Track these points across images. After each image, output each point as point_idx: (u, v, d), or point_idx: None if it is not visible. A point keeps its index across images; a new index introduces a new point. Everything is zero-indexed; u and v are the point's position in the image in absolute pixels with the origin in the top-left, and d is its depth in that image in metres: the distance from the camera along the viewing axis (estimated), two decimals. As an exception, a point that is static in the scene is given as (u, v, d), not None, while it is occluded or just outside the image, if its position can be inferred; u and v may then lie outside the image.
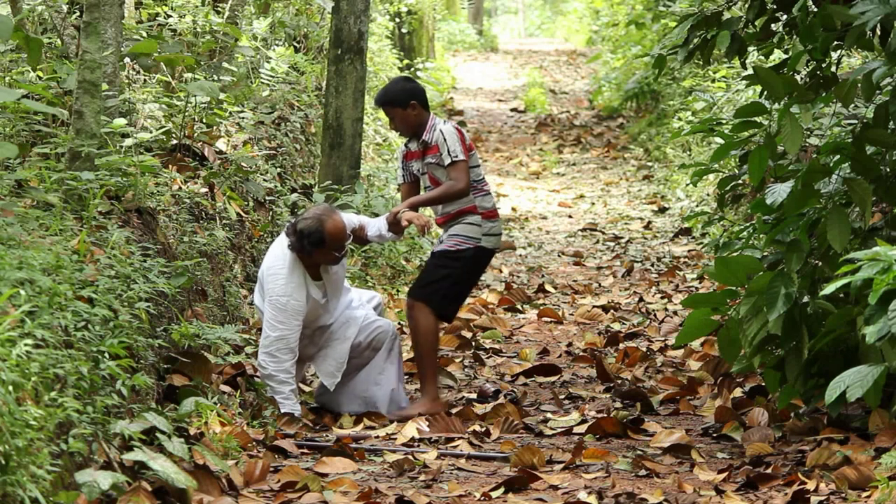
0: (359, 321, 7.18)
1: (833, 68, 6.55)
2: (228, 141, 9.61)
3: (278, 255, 6.91)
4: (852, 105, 7.16)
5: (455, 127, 7.07)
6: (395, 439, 6.67)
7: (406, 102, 7.08)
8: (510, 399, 7.47)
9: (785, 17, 7.05)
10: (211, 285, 7.94)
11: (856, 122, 6.67)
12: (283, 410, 6.82)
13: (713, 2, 7.39)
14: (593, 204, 16.02)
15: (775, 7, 7.03)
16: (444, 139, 6.99)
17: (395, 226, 7.09)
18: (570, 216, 15.29)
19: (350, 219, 7.12)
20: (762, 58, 10.39)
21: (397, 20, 21.44)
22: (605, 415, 7.05)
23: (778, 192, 6.27)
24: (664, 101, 19.12)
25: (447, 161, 6.98)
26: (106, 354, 5.16)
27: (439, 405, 6.99)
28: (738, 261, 6.43)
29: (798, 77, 6.73)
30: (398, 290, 10.15)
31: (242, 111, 10.07)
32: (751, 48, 7.73)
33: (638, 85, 20.47)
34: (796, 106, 6.34)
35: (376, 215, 11.35)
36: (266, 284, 6.90)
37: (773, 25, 7.21)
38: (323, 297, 7.03)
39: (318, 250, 6.85)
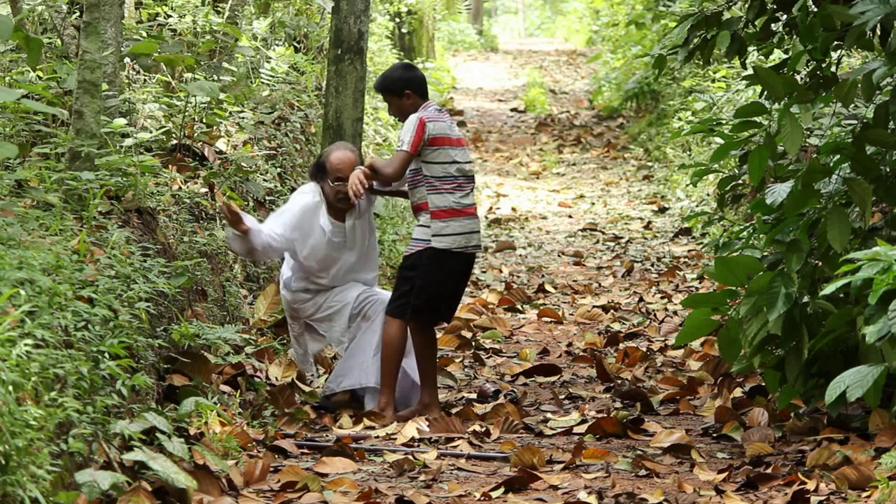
0: (359, 288, 7.30)
1: (833, 68, 6.55)
2: (228, 141, 9.61)
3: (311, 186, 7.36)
4: (852, 105, 7.16)
5: (420, 118, 6.91)
6: (395, 439, 6.66)
7: (401, 92, 7.05)
8: (510, 399, 7.47)
9: (785, 17, 7.05)
10: (211, 285, 7.94)
11: (856, 122, 6.67)
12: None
13: (713, 2, 7.39)
14: (593, 204, 16.02)
15: (775, 7, 7.03)
16: (404, 127, 6.97)
17: (378, 182, 7.17)
18: (570, 216, 15.29)
19: None
20: (762, 58, 10.39)
21: (397, 20, 21.45)
22: (605, 415, 7.05)
23: (778, 192, 6.27)
24: (664, 101, 19.12)
25: (395, 147, 7.00)
26: (106, 354, 5.16)
27: (386, 417, 6.97)
28: (738, 261, 6.43)
29: (798, 77, 6.73)
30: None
31: (242, 111, 10.06)
32: (751, 48, 7.73)
33: (638, 85, 20.47)
34: (796, 106, 6.34)
35: (377, 215, 11.36)
36: None
37: (773, 25, 7.21)
38: (335, 236, 7.21)
39: (321, 177, 7.22)
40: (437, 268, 6.98)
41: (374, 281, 7.48)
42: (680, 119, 15.11)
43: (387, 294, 7.27)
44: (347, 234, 7.24)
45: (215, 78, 9.74)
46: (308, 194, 7.29)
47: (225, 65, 10.27)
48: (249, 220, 7.10)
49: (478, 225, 7.09)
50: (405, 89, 7.03)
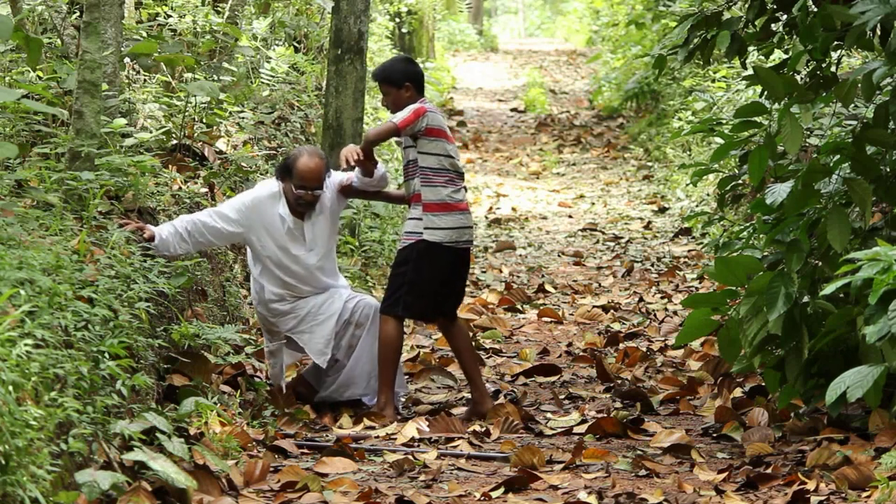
0: (343, 296, 7.21)
1: (833, 68, 6.55)
2: (228, 141, 9.61)
3: (271, 182, 7.24)
4: (852, 105, 7.16)
5: (421, 106, 6.94)
6: (395, 439, 6.66)
7: (401, 83, 7.06)
8: (510, 399, 7.47)
9: (785, 17, 7.05)
10: (211, 285, 7.94)
11: (856, 122, 6.67)
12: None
13: (713, 2, 7.39)
14: (593, 204, 16.02)
15: (775, 7, 7.03)
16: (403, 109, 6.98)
17: (362, 168, 7.09)
18: (570, 216, 15.29)
19: (338, 176, 7.24)
20: (762, 58, 10.39)
21: (397, 20, 21.45)
22: (605, 415, 7.05)
23: (778, 192, 6.27)
24: (664, 101, 19.12)
25: (389, 118, 6.96)
26: (106, 354, 5.16)
27: (386, 417, 6.97)
28: (738, 261, 6.43)
29: (798, 77, 6.73)
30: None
31: (242, 111, 10.07)
32: (751, 48, 7.73)
33: (638, 85, 20.47)
34: (796, 106, 6.34)
35: (377, 215, 11.37)
36: None
37: (773, 25, 7.21)
38: (295, 228, 7.07)
39: (284, 179, 7.05)
40: (427, 262, 7.00)
41: (346, 288, 7.37)
42: (680, 119, 15.12)
43: (371, 298, 7.28)
44: (306, 234, 7.11)
45: (215, 78, 9.74)
46: (266, 186, 7.18)
47: (225, 65, 10.27)
48: (157, 227, 6.90)
49: (470, 220, 7.12)
50: (405, 81, 7.05)
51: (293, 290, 7.18)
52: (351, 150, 6.94)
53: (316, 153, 7.12)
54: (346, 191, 7.26)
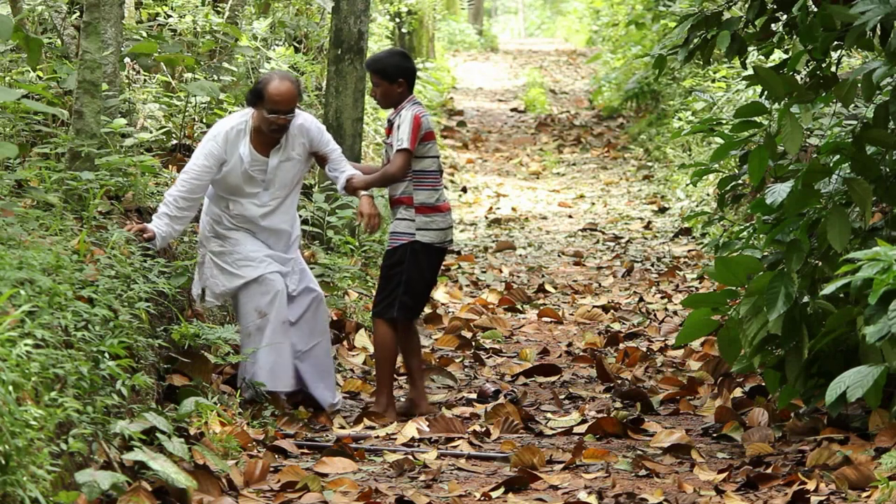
0: (265, 268, 6.97)
1: (833, 68, 6.55)
2: (228, 141, 9.59)
3: (242, 112, 7.05)
4: (852, 105, 7.16)
5: (416, 115, 6.96)
6: (395, 439, 6.67)
7: (395, 78, 7.06)
8: (510, 399, 7.47)
9: (785, 17, 7.05)
10: (211, 285, 7.93)
11: (856, 122, 6.67)
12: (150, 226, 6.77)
13: (713, 2, 7.39)
14: (593, 204, 16.02)
15: (775, 7, 7.03)
16: (399, 125, 6.98)
17: (350, 191, 7.06)
18: (570, 216, 15.29)
19: (327, 140, 7.12)
20: (762, 58, 10.39)
21: (397, 20, 21.43)
22: (605, 415, 7.05)
23: (778, 192, 6.27)
24: (664, 101, 19.12)
25: (395, 147, 6.98)
26: (106, 354, 5.16)
27: (388, 418, 6.98)
28: (738, 261, 6.43)
29: (798, 77, 6.73)
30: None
31: (242, 111, 10.06)
32: (751, 48, 7.73)
33: (638, 85, 20.47)
34: (796, 106, 6.34)
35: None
36: None
37: (773, 25, 7.21)
38: (252, 168, 6.92)
39: (257, 105, 6.87)
40: (421, 262, 7.06)
41: (291, 239, 7.13)
42: (680, 119, 15.11)
43: (316, 288, 7.13)
44: (268, 172, 6.97)
45: (215, 78, 9.75)
46: (234, 118, 7.02)
47: (225, 65, 10.27)
48: (153, 224, 6.80)
49: (452, 221, 7.17)
50: (399, 77, 7.05)
51: (232, 218, 7.03)
52: (375, 220, 6.95)
53: (287, 77, 6.98)
54: (319, 160, 7.15)
